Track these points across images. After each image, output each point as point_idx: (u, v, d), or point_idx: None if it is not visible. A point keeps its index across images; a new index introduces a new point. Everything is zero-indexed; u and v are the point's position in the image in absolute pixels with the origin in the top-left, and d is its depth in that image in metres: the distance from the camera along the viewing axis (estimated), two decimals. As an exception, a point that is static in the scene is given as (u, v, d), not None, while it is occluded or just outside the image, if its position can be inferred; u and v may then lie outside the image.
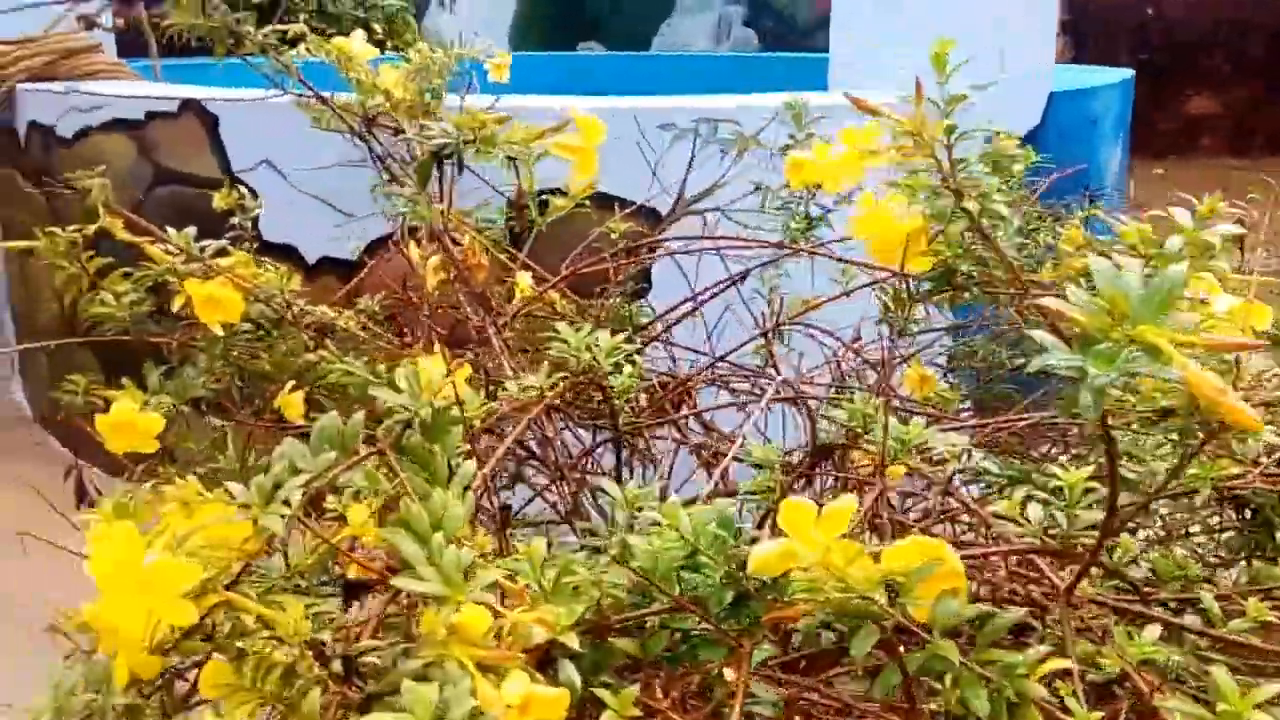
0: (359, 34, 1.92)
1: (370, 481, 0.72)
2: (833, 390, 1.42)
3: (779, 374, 1.45)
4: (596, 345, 0.97)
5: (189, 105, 2.21)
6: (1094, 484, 0.75)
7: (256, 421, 1.35)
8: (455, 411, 0.79)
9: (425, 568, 0.66)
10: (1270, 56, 6.70)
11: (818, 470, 1.13)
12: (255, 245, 2.19)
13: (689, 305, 1.52)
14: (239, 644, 0.65)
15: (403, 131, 1.27)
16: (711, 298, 1.41)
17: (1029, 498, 0.76)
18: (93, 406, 1.20)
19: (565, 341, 0.95)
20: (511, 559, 0.73)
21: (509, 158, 0.90)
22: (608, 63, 5.61)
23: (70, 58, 2.63)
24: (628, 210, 2.12)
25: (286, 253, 2.21)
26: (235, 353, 1.32)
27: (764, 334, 1.45)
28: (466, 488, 0.74)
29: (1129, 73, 3.08)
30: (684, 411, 1.27)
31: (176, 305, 1.26)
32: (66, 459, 2.69)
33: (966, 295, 1.05)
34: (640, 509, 0.87)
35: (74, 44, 2.65)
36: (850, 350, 1.42)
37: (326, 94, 1.81)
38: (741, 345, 1.46)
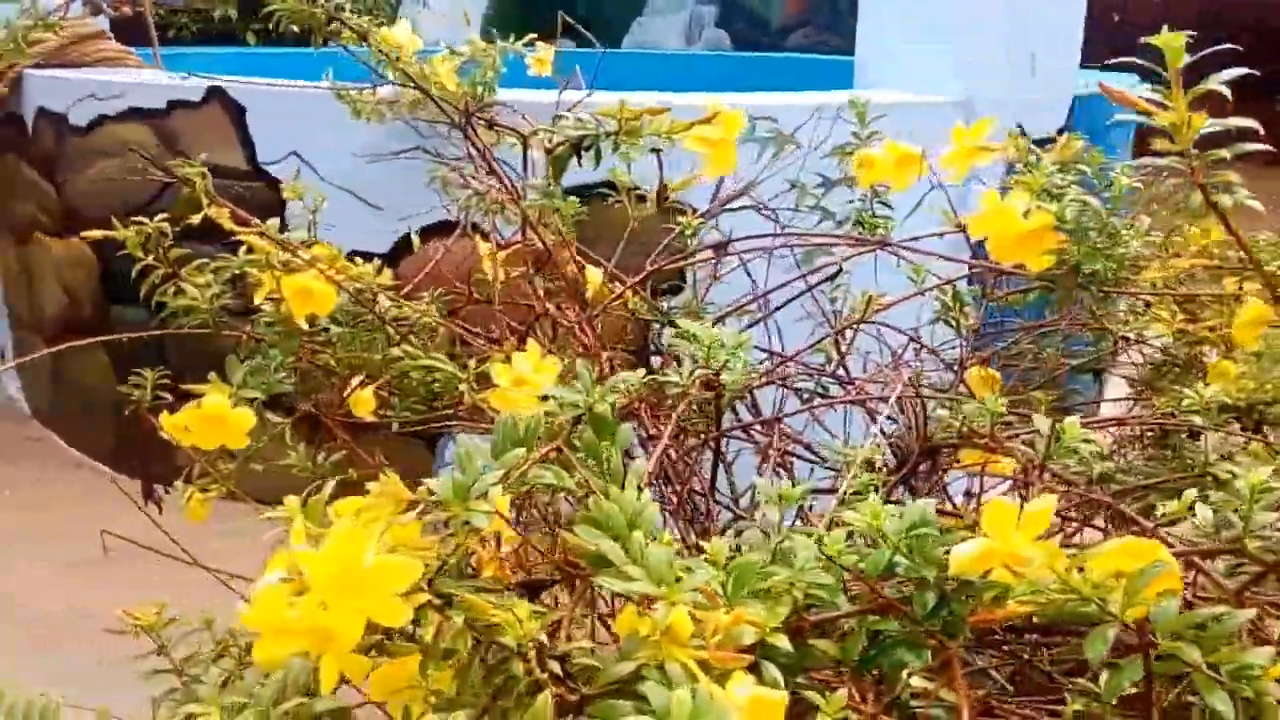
0: (405, 24, 1.90)
1: (558, 479, 0.70)
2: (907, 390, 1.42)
3: (848, 373, 1.44)
4: (722, 342, 0.95)
5: (215, 94, 2.17)
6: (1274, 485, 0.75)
7: (329, 418, 1.32)
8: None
9: (633, 567, 0.65)
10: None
11: (921, 470, 1.13)
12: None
13: (752, 303, 1.51)
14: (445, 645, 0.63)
15: (490, 125, 1.25)
16: (759, 292, 1.40)
17: (1204, 497, 0.76)
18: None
19: (693, 338, 0.94)
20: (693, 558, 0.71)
21: (653, 150, 0.88)
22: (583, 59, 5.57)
23: (79, 43, 2.57)
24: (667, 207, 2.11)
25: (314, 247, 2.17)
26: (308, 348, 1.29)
27: (838, 333, 1.45)
28: (639, 485, 0.73)
29: (1134, 77, 3.12)
30: (769, 414, 1.25)
31: (259, 298, 1.23)
32: (68, 456, 2.64)
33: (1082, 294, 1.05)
34: (802, 507, 0.86)
35: (83, 29, 2.59)
36: (926, 350, 1.42)
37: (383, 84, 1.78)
38: (811, 345, 1.45)
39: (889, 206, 1.60)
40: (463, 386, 1.21)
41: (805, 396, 1.37)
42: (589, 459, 0.75)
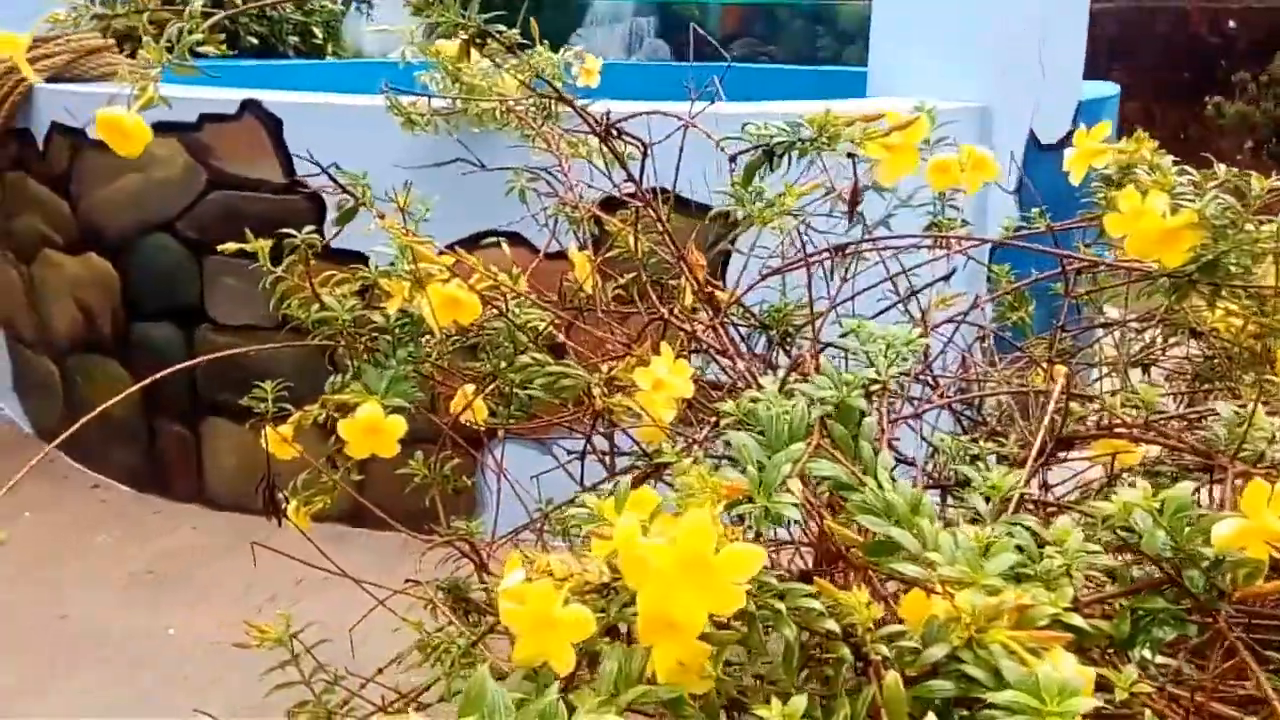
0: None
1: (833, 470, 0.73)
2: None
3: (930, 372, 1.48)
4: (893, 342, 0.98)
5: (250, 107, 2.15)
6: None
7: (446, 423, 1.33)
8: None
9: (934, 553, 0.68)
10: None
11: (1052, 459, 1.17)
12: (322, 252, 2.14)
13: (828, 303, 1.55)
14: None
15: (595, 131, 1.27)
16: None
17: None
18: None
19: (869, 337, 0.97)
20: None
21: (849, 154, 0.91)
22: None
23: (87, 57, 2.53)
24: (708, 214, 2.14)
25: (355, 259, 2.16)
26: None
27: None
28: (892, 475, 0.76)
29: (1117, 86, 3.24)
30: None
31: (391, 308, 1.23)
32: (83, 478, 2.59)
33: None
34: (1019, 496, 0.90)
35: (90, 42, 2.55)
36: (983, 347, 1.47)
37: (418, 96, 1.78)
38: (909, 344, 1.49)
39: (958, 209, 1.65)
40: (595, 391, 1.23)
41: (914, 399, 1.40)
42: (840, 450, 0.77)
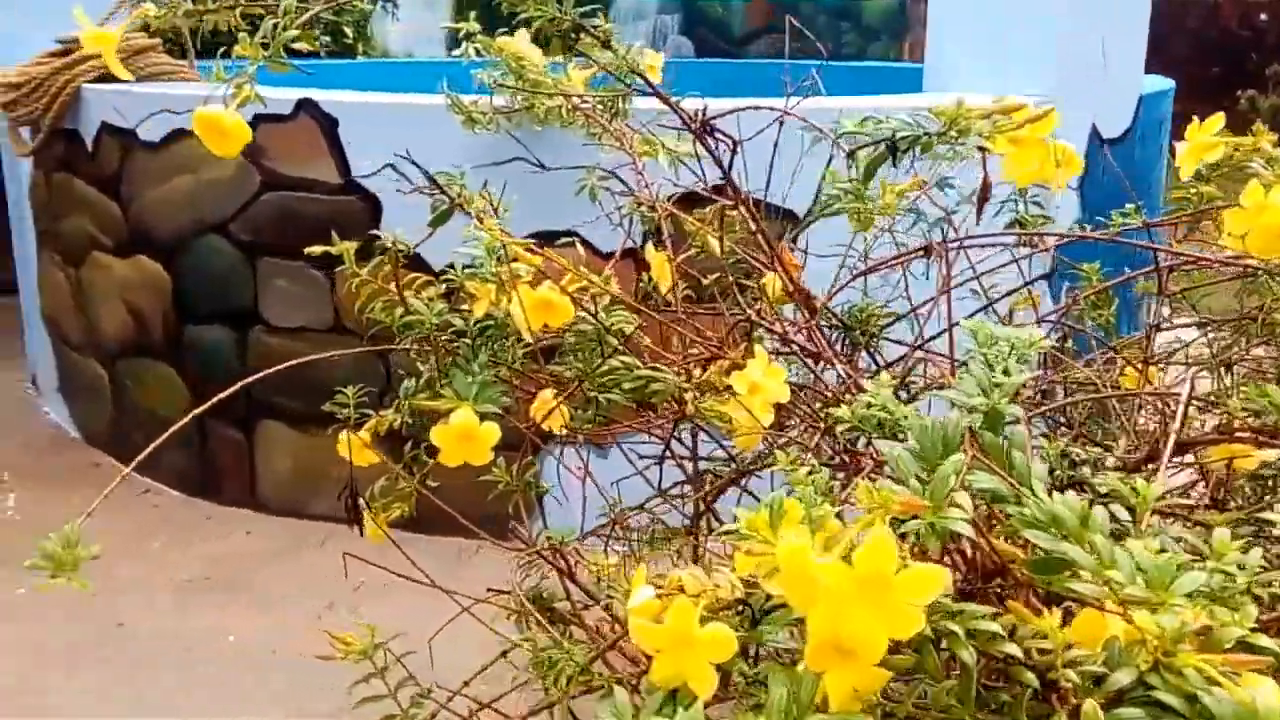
0: (523, 34, 1.88)
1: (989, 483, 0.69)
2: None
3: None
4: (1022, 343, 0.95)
5: (305, 106, 2.13)
6: None
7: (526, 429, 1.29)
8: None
9: (1114, 571, 0.64)
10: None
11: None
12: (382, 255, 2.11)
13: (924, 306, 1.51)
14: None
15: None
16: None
17: None
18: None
19: (990, 340, 0.93)
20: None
21: (979, 149, 0.87)
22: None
23: (134, 57, 2.51)
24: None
25: (410, 261, 2.13)
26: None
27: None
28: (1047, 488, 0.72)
29: (1171, 80, 3.18)
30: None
31: (478, 311, 1.20)
32: (132, 482, 2.56)
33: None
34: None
35: (137, 42, 2.53)
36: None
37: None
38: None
39: (1041, 207, 1.61)
40: (687, 395, 1.20)
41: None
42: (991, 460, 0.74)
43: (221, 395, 1.11)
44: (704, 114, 1.21)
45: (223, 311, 2.30)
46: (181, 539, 2.30)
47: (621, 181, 1.65)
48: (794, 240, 2.20)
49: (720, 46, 10.57)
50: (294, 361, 1.32)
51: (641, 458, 1.58)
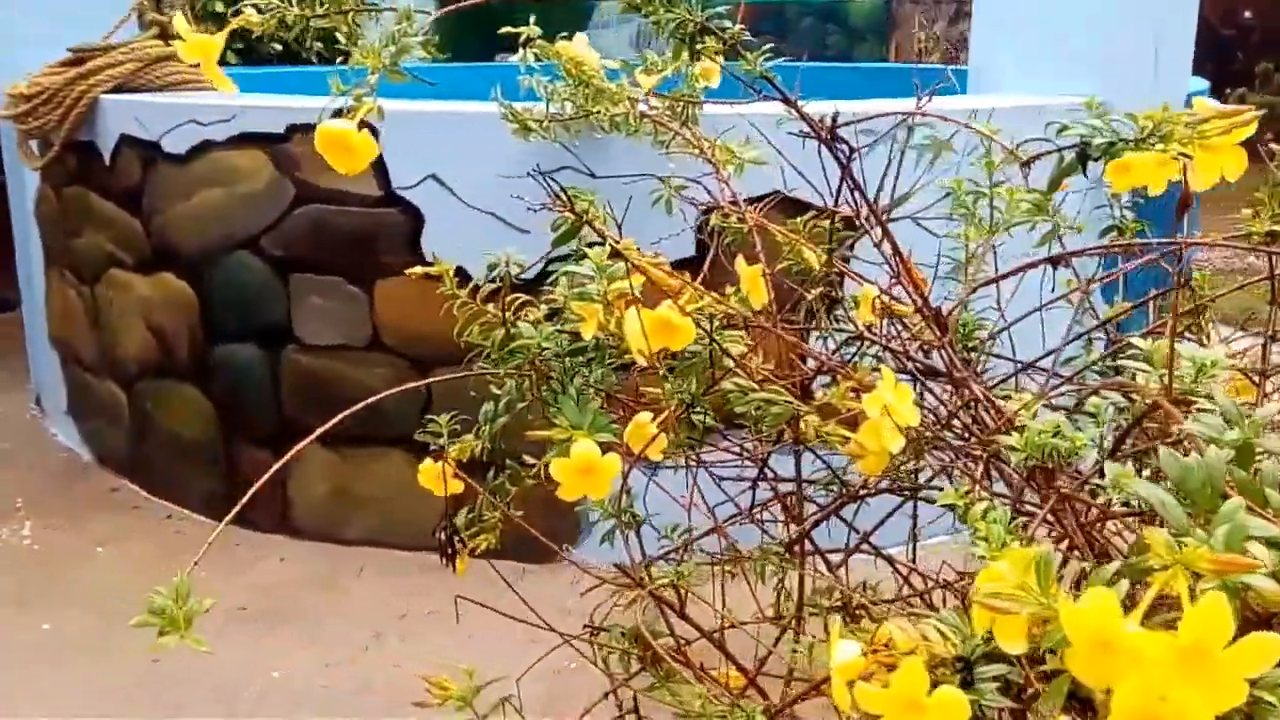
0: (581, 37, 1.81)
1: None
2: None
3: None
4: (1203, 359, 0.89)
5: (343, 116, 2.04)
6: None
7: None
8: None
9: None
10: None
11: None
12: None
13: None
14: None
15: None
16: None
17: None
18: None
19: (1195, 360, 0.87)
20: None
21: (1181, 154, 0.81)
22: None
23: (151, 66, 2.43)
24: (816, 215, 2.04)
25: (454, 274, 2.06)
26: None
27: (1117, 338, 1.39)
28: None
29: (1205, 81, 3.16)
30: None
31: (588, 333, 1.13)
32: (151, 506, 2.47)
33: None
34: None
35: (158, 50, 2.44)
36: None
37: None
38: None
39: (1137, 210, 1.56)
40: (808, 418, 1.13)
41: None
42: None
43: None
44: (834, 119, 1.14)
45: (253, 329, 2.21)
46: (214, 568, 2.21)
47: (703, 189, 1.59)
48: (850, 248, 2.14)
49: (707, 49, 10.49)
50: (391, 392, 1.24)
51: (723, 479, 1.51)
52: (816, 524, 1.27)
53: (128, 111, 2.28)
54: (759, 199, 2.04)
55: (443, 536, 1.27)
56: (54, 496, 2.54)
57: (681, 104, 1.67)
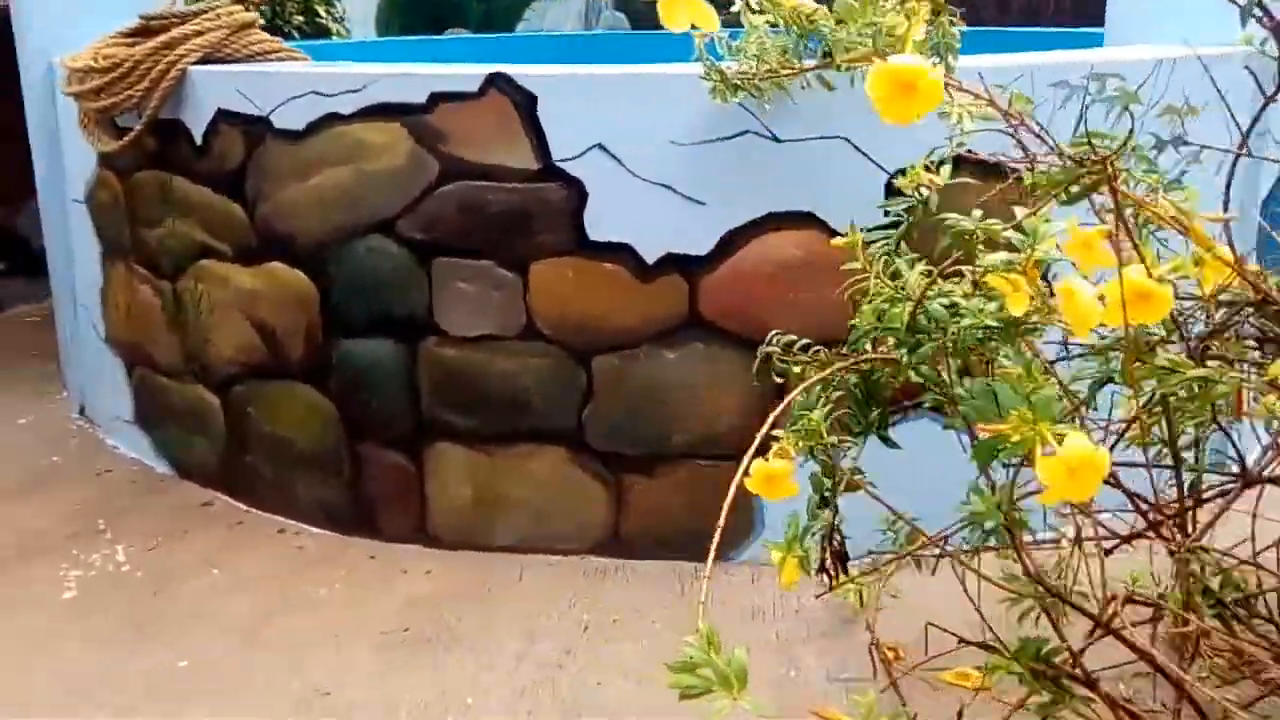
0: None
1: None
2: None
3: None
4: None
5: (496, 82, 1.87)
6: None
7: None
8: None
9: None
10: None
11: None
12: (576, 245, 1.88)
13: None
14: None
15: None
16: None
17: None
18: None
19: None
20: None
21: None
22: (474, 45, 5.37)
23: (240, 33, 2.21)
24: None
25: (619, 252, 1.91)
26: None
27: None
28: None
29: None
30: None
31: (1018, 307, 0.99)
32: (257, 520, 2.27)
33: None
34: None
35: (242, 16, 2.23)
36: None
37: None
38: None
39: None
40: (1270, 398, 1.01)
41: None
42: None
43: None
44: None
45: (386, 321, 2.03)
46: (354, 585, 2.02)
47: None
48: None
49: (658, 22, 10.34)
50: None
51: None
52: (1219, 514, 1.16)
53: (228, 84, 2.07)
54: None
55: (833, 546, 1.12)
56: (138, 515, 2.32)
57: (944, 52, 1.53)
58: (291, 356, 2.13)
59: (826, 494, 1.15)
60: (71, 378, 2.87)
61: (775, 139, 1.86)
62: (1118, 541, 1.19)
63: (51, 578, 2.08)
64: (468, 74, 1.87)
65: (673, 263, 1.91)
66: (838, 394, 1.23)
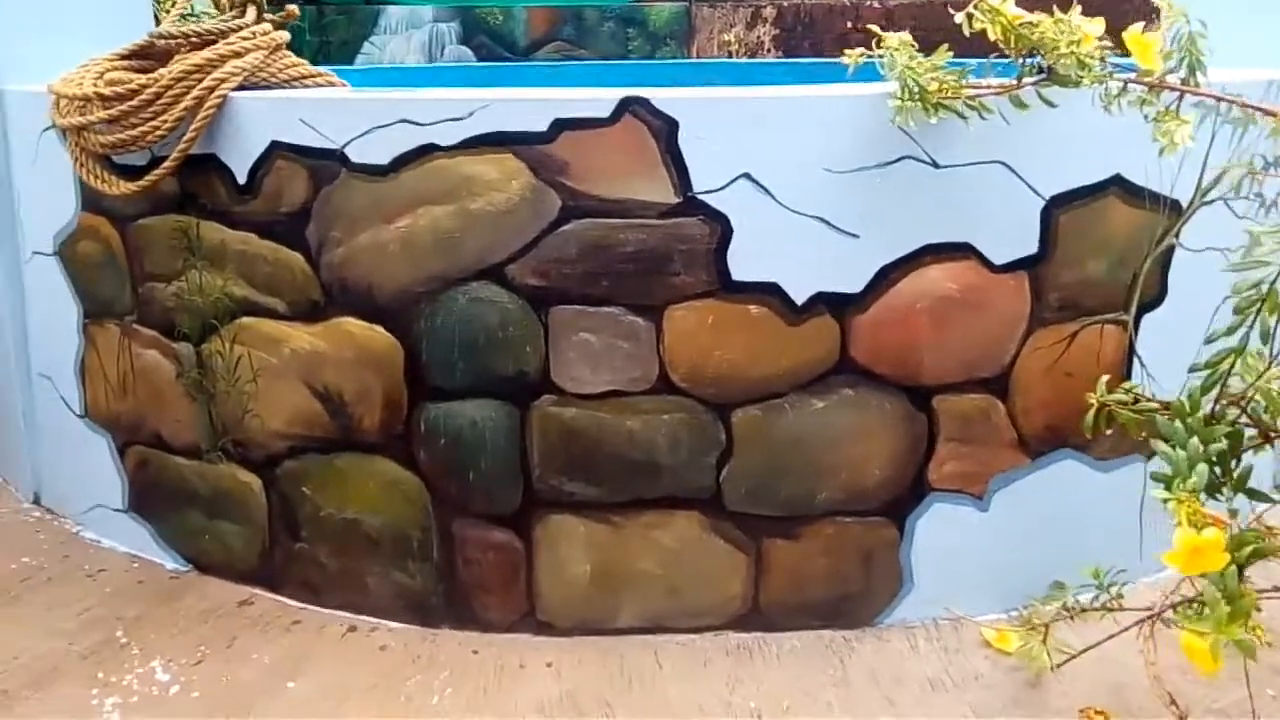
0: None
1: None
2: None
3: None
4: None
5: (631, 106, 1.67)
6: None
7: None
8: None
9: None
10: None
11: None
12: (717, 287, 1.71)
13: None
14: None
15: None
16: None
17: None
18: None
19: None
20: None
21: None
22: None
23: (276, 53, 1.93)
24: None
25: (765, 293, 1.74)
26: None
27: None
28: None
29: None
30: None
31: None
32: (316, 618, 2.00)
33: None
34: None
35: (279, 35, 1.95)
36: None
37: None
38: None
39: None
40: None
41: None
42: None
43: None
44: None
45: (489, 381, 1.79)
46: (464, 687, 1.75)
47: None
48: (1177, 235, 1.98)
49: (503, 55, 10.29)
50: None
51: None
52: None
53: (288, 113, 1.79)
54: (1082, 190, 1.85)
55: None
56: (163, 622, 1.97)
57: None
58: (364, 425, 1.85)
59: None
60: (19, 462, 2.45)
61: (934, 164, 1.73)
62: None
63: (82, 708, 1.72)
64: (597, 98, 1.67)
65: (823, 302, 1.75)
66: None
